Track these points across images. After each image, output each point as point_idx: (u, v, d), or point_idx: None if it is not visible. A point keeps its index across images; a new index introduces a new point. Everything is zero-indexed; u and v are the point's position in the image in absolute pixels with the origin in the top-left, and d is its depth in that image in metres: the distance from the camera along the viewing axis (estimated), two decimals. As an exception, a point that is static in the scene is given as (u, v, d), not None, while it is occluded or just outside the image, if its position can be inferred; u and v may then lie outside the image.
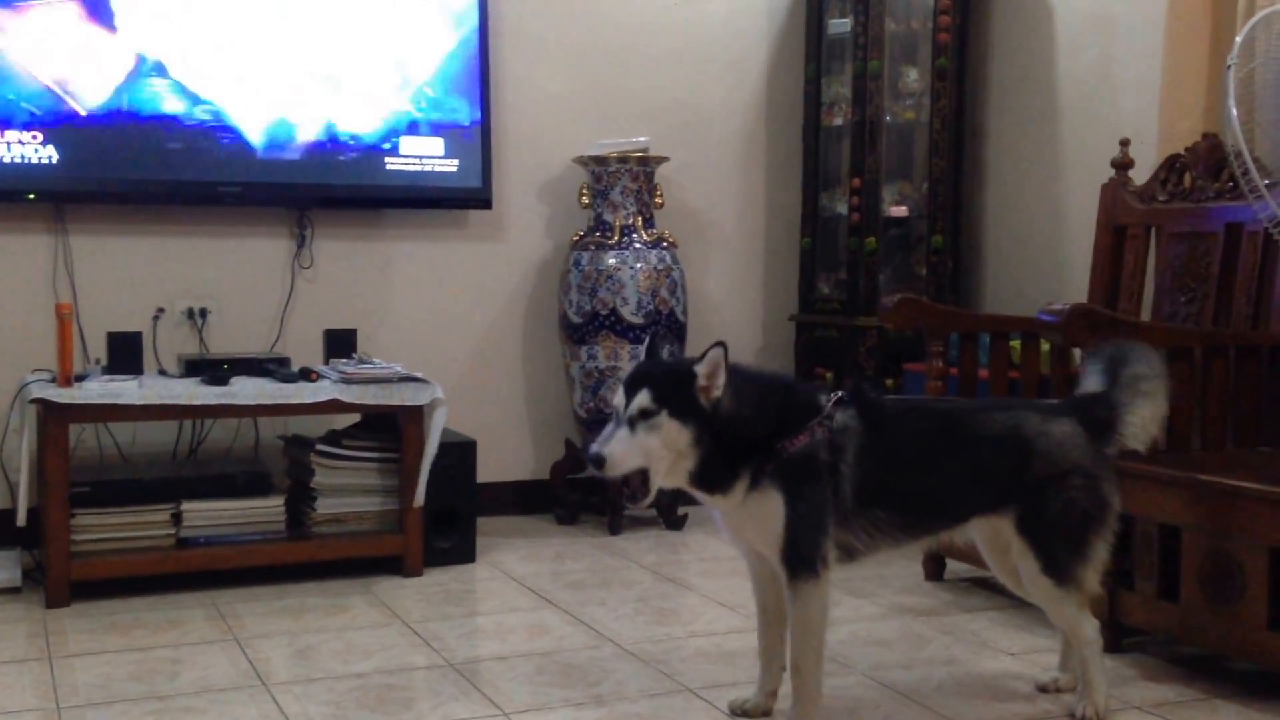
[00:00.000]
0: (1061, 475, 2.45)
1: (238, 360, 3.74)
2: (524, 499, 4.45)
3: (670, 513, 4.26)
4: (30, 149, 3.71)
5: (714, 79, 4.65)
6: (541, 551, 3.98)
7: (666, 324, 4.21)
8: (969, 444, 2.48)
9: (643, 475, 2.28)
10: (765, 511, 2.33)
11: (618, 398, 2.31)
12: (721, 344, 2.27)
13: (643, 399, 2.26)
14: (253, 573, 3.57)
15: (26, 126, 3.70)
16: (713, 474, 2.31)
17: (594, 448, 2.27)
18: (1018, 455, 2.46)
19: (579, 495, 4.35)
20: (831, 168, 4.58)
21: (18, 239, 3.84)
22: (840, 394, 2.40)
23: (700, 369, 2.27)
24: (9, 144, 3.69)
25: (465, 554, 3.82)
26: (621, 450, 2.25)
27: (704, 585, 3.58)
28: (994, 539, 2.62)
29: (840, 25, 4.46)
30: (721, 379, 2.27)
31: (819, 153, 4.59)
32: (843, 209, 4.48)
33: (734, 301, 4.73)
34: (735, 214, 4.72)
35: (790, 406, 2.36)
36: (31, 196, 3.76)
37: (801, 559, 2.34)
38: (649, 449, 2.26)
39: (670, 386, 2.27)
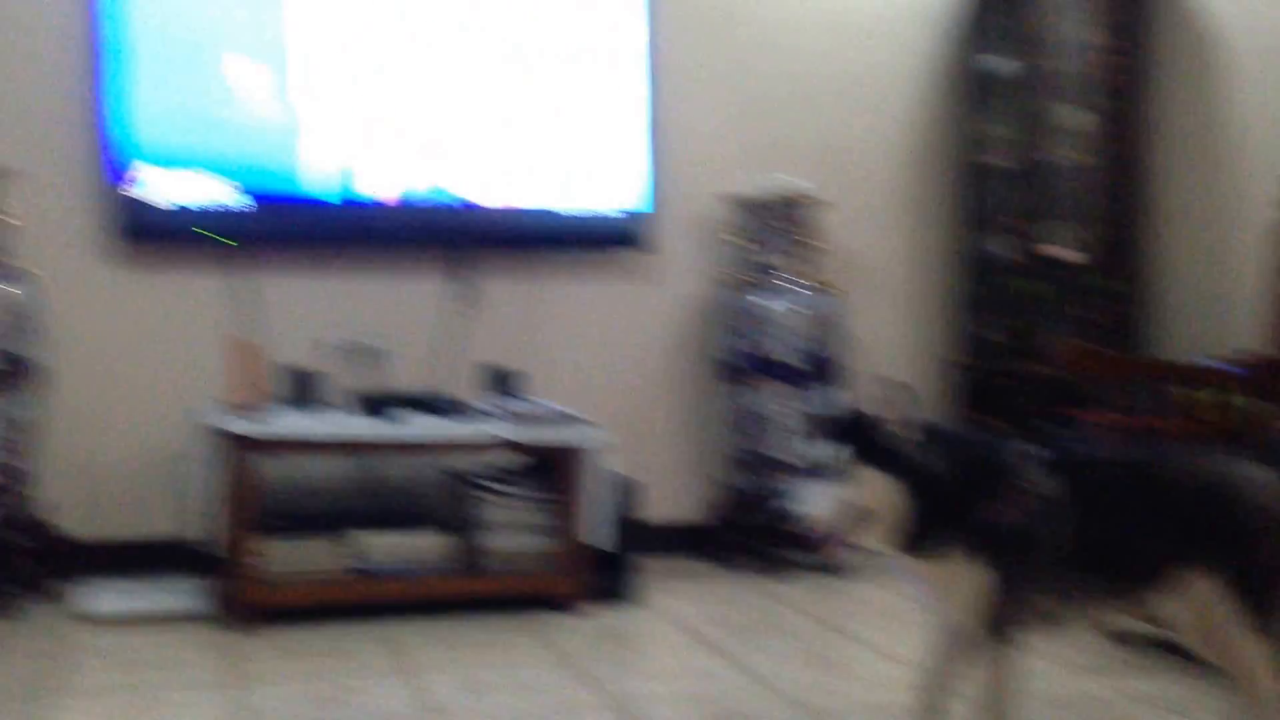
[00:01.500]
0: (1273, 529, 2.35)
1: (407, 397, 3.84)
2: (685, 541, 4.45)
3: (833, 559, 4.21)
4: (220, 194, 3.89)
5: (872, 121, 4.65)
6: (703, 595, 3.99)
7: (825, 367, 4.20)
8: (1172, 497, 2.38)
9: (840, 526, 2.24)
10: (963, 576, 2.27)
11: (812, 450, 2.27)
12: (905, 385, 2.23)
13: (837, 451, 2.22)
14: (423, 605, 3.65)
15: (223, 174, 3.88)
16: (910, 531, 2.25)
17: (789, 503, 2.25)
18: (1226, 507, 2.35)
19: (741, 539, 4.34)
20: (992, 209, 4.53)
21: (207, 279, 4.03)
22: (1036, 451, 2.34)
23: (886, 414, 2.22)
24: (202, 190, 3.87)
25: (628, 595, 3.84)
26: (820, 504, 2.22)
27: (870, 636, 3.54)
28: (1192, 599, 2.51)
29: (1000, 64, 4.42)
30: (910, 423, 2.22)
31: (978, 194, 4.55)
32: (1004, 252, 4.42)
33: (893, 345, 4.69)
34: (895, 256, 4.70)
35: (988, 466, 2.30)
36: (220, 239, 3.93)
37: (1001, 626, 2.28)
38: (847, 501, 2.22)
39: (864, 436, 2.22)
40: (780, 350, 4.17)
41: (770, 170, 4.46)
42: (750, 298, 4.23)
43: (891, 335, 4.70)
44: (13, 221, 3.66)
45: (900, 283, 4.72)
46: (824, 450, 2.24)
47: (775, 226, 4.28)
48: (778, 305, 4.20)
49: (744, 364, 4.21)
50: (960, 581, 2.27)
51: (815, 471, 2.25)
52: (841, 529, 2.23)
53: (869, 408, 2.26)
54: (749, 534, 4.35)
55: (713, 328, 4.40)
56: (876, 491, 2.21)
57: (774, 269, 4.26)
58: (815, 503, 2.22)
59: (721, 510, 4.38)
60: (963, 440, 2.35)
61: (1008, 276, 4.42)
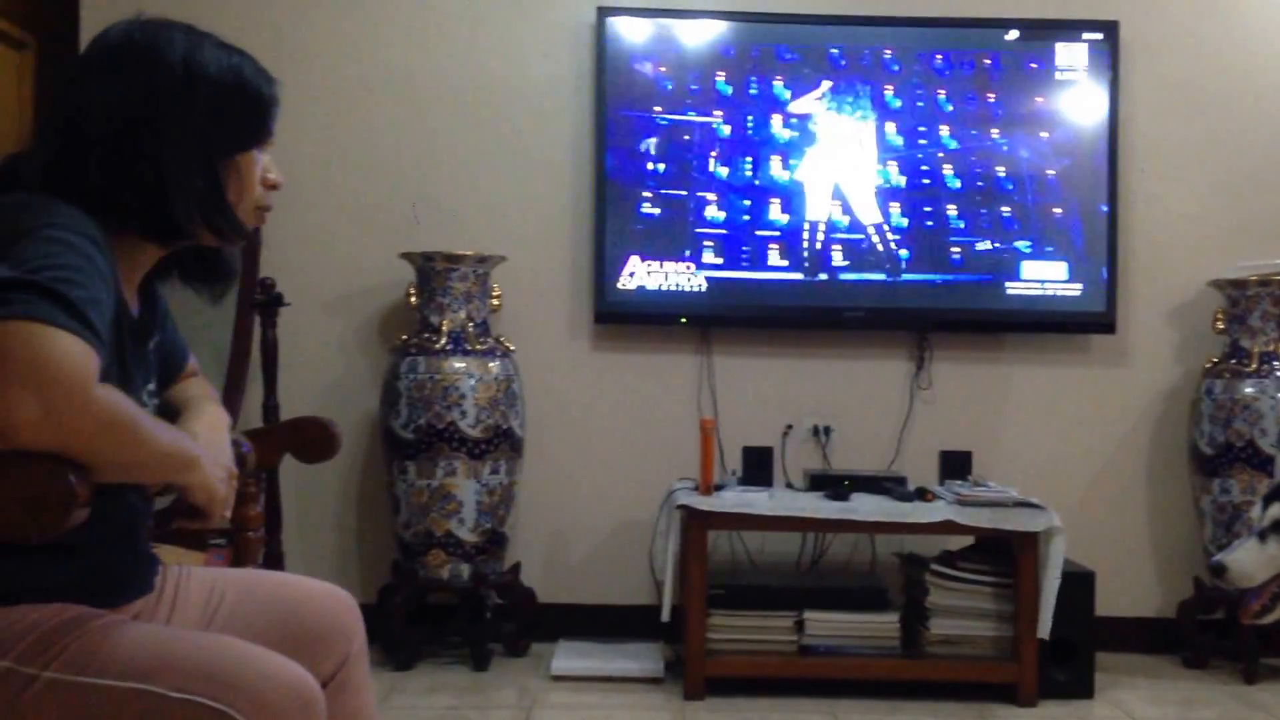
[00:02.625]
0: None
1: (857, 477, 3.87)
2: (1146, 637, 4.19)
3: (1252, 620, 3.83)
4: (684, 278, 4.10)
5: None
6: (1166, 694, 3.73)
7: (1313, 458, 3.85)
8: None
9: (1273, 593, 2.15)
10: None
11: (1254, 511, 2.21)
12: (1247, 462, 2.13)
13: (1276, 510, 2.14)
14: (867, 685, 3.63)
15: (684, 258, 4.10)
16: None
17: (1217, 556, 2.19)
18: None
19: (1210, 638, 4.02)
20: None
21: (671, 358, 4.22)
22: None
23: None
24: (667, 273, 4.09)
25: (1083, 689, 3.65)
26: (1247, 560, 2.14)
27: (1366, 754, 3.19)
28: None
29: None
30: None
31: None
32: None
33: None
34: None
35: None
36: (683, 321, 4.13)
37: None
38: (1276, 561, 2.13)
39: None
40: (1261, 439, 3.86)
41: (1257, 249, 4.17)
42: (1231, 383, 3.95)
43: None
44: (494, 302, 4.02)
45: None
46: (1268, 511, 2.16)
47: (1259, 309, 3.97)
48: (1260, 392, 3.89)
49: (1221, 453, 3.93)
50: None
51: (1255, 531, 2.17)
52: (1266, 589, 2.15)
53: None
54: (1220, 633, 4.03)
55: (1186, 414, 4.13)
56: None
57: (1256, 354, 3.95)
58: (1243, 559, 2.14)
59: (1188, 606, 4.07)
60: None
61: None
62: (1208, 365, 4.07)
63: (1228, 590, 3.63)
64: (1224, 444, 3.93)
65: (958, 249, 4.12)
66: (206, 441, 1.67)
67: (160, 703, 1.44)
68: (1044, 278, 4.12)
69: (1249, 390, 3.91)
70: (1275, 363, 3.94)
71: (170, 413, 1.77)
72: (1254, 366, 3.94)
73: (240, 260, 1.84)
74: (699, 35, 4.13)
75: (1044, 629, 3.54)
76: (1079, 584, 3.68)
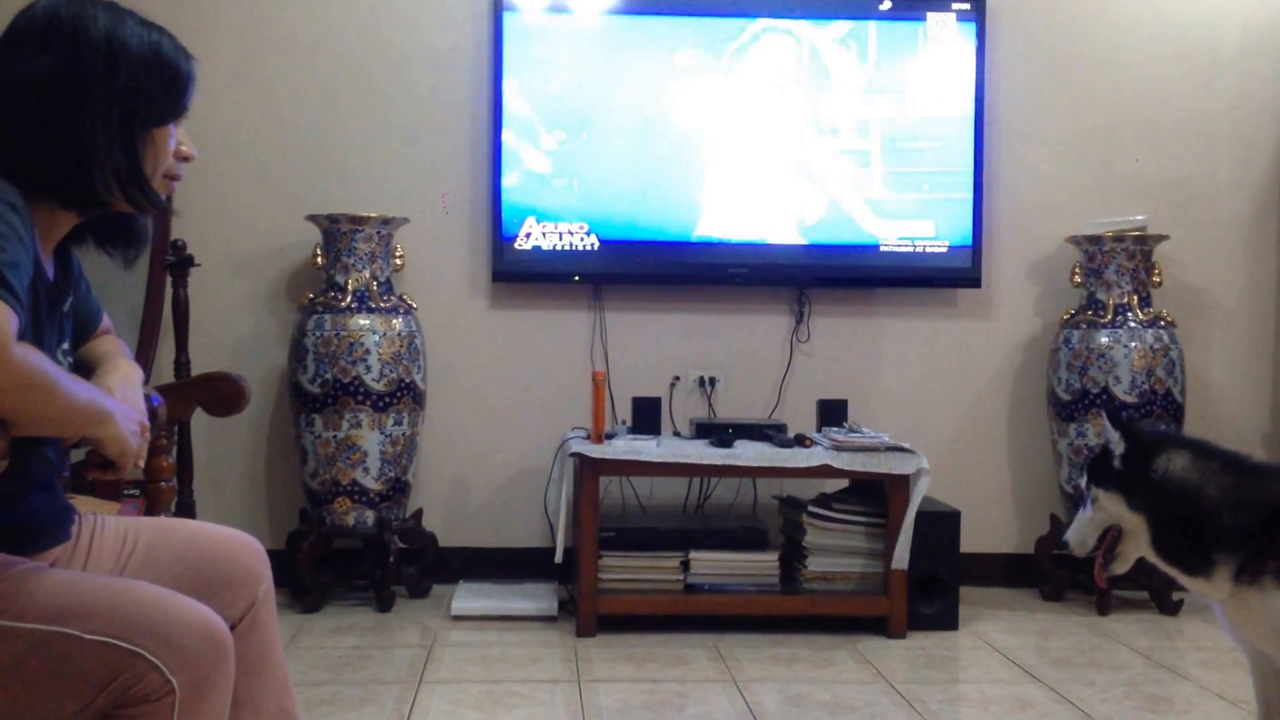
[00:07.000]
0: None
1: (741, 425, 4.06)
2: (1008, 571, 4.50)
3: (1164, 597, 4.16)
4: (577, 238, 4.28)
5: (1220, 155, 4.54)
6: (1025, 625, 4.02)
7: (1162, 405, 4.15)
8: None
9: (1106, 548, 2.38)
10: (1266, 611, 2.22)
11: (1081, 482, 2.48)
12: (1102, 408, 2.41)
13: (1083, 480, 2.43)
14: (749, 620, 3.87)
15: (578, 219, 4.27)
16: (1174, 547, 2.28)
17: (1064, 536, 2.48)
18: None
19: (1066, 572, 4.33)
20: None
21: (565, 315, 4.41)
22: None
23: (1106, 436, 2.38)
24: (561, 234, 4.27)
25: (948, 621, 3.93)
26: (1079, 530, 2.41)
27: (1201, 675, 3.48)
28: None
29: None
30: (1119, 439, 2.32)
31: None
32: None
33: (1239, 384, 4.56)
34: (1242, 294, 4.56)
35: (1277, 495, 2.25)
36: (576, 279, 4.31)
37: None
38: (1099, 523, 2.38)
39: (1097, 462, 2.40)
40: (1115, 386, 4.15)
41: (1111, 207, 4.45)
42: (1087, 333, 4.23)
43: (1240, 375, 4.57)
44: (397, 262, 4.17)
45: (1251, 321, 4.57)
46: (1081, 481, 2.45)
47: (1114, 263, 4.25)
48: (1114, 341, 4.18)
49: (1077, 399, 4.21)
50: (1258, 610, 2.23)
51: (1079, 501, 2.45)
52: (1098, 550, 2.38)
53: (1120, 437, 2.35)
54: (1075, 567, 4.33)
55: (1045, 363, 4.42)
56: (1114, 511, 2.34)
57: (1111, 305, 4.23)
58: (1076, 529, 2.41)
59: (1045, 542, 4.38)
60: (1253, 468, 2.29)
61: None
62: (1066, 317, 4.35)
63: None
64: (1080, 390, 4.21)
65: (833, 209, 4.34)
66: (120, 396, 1.71)
67: (76, 645, 1.51)
68: (914, 235, 4.36)
69: (1104, 340, 4.20)
70: (1128, 314, 4.22)
71: (85, 369, 1.83)
72: (1109, 317, 4.23)
73: (152, 225, 1.89)
74: (595, 4, 4.28)
75: (901, 561, 3.81)
76: (945, 523, 3.94)
